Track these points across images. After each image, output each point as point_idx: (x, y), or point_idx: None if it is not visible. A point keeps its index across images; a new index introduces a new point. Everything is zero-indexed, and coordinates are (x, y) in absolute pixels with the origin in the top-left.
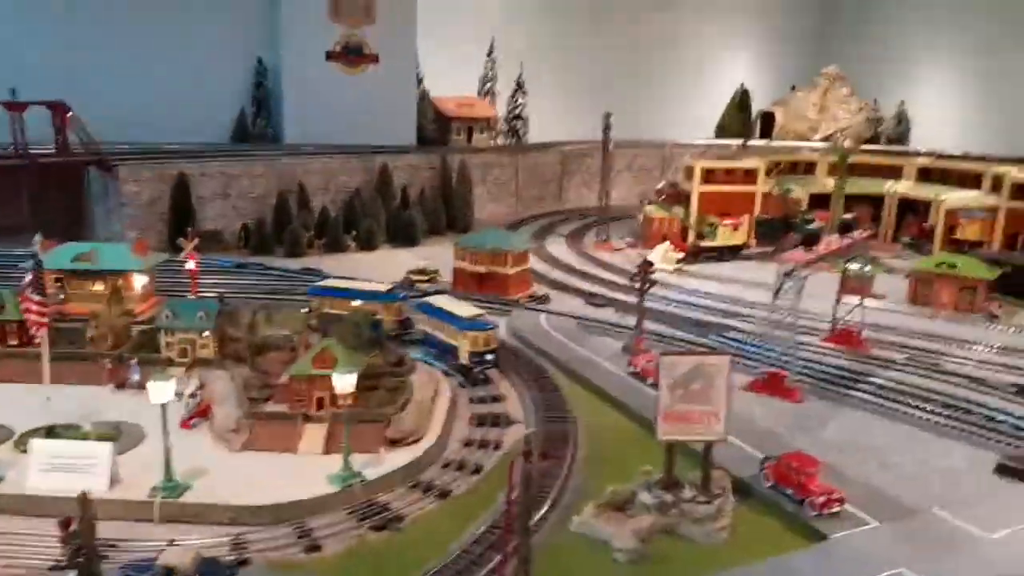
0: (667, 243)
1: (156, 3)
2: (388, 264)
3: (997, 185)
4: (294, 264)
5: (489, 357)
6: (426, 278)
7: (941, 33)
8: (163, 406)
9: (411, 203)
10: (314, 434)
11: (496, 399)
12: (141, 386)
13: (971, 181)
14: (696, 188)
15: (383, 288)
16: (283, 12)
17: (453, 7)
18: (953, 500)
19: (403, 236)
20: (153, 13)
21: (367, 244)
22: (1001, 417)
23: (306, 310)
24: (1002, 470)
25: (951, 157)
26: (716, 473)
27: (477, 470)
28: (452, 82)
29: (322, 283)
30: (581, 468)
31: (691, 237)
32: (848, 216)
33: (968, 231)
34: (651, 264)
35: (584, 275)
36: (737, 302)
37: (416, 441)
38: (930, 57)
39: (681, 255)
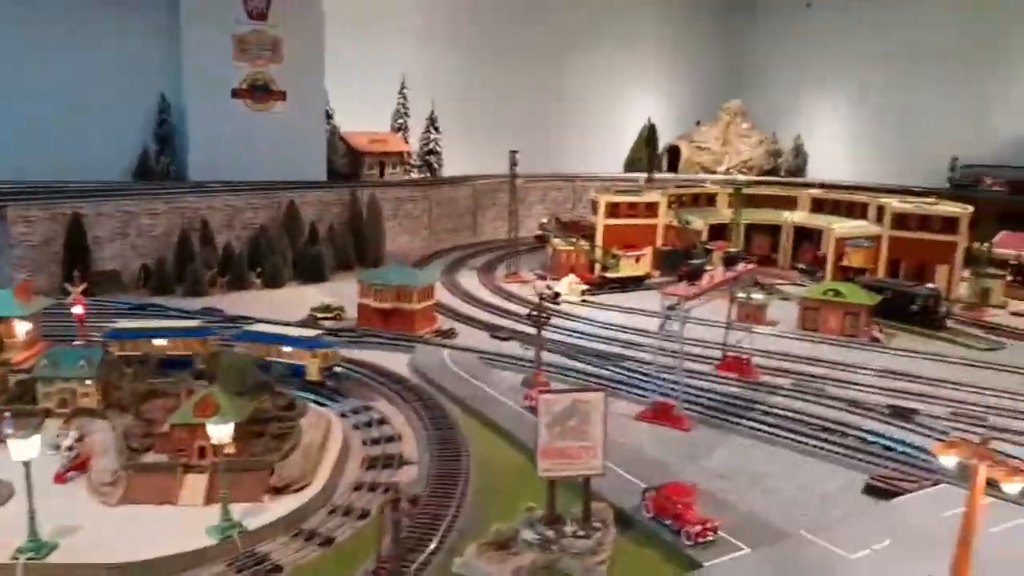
0: (572, 275)
1: (52, 38)
2: (294, 301)
3: (881, 215)
4: (195, 304)
5: (338, 370)
6: (331, 315)
7: (833, 72)
8: (26, 463)
9: (320, 238)
10: (195, 484)
11: (391, 439)
12: None
13: (859, 210)
14: (601, 221)
15: (192, 324)
16: (185, 51)
17: (363, 46)
18: (823, 523)
19: (311, 272)
20: (49, 49)
21: (273, 281)
22: (872, 438)
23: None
24: (870, 490)
25: (840, 187)
26: (599, 506)
27: (364, 515)
28: (365, 118)
29: (121, 325)
30: (470, 506)
31: (597, 269)
32: (733, 249)
33: (854, 259)
34: (558, 295)
35: (493, 308)
36: (637, 332)
37: (302, 487)
38: (824, 93)
39: (586, 286)
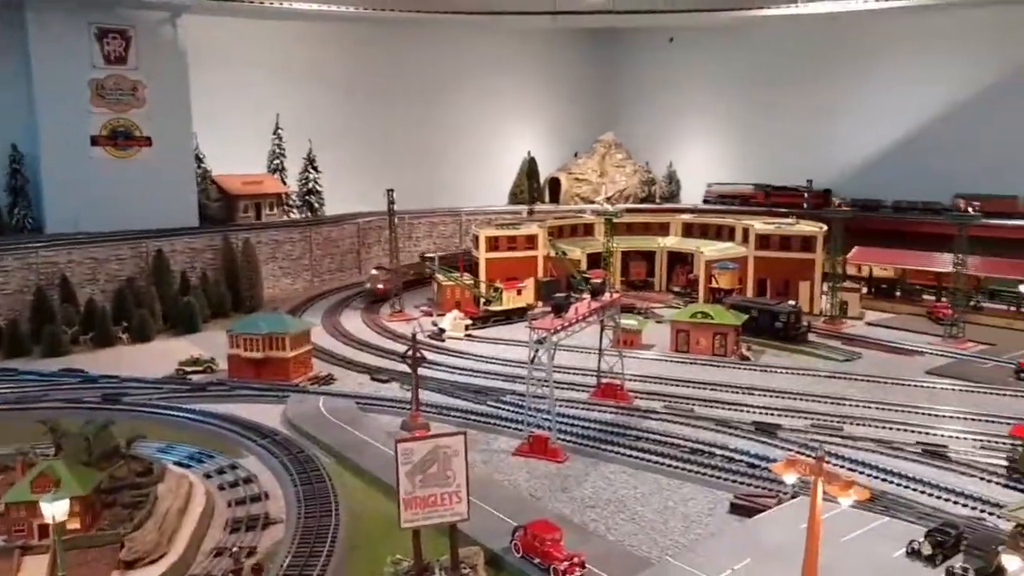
0: (457, 310)
1: None
2: (163, 355)
3: (746, 236)
4: (54, 365)
5: None
6: (200, 368)
7: (698, 101)
8: None
9: (192, 287)
10: (35, 568)
11: (256, 499)
12: None
13: (727, 233)
14: (483, 256)
15: None
16: (38, 98)
17: (233, 86)
18: (687, 546)
19: (183, 323)
20: None
21: (141, 336)
22: (738, 457)
23: None
24: (734, 509)
25: (708, 211)
26: (469, 550)
27: None
28: (239, 160)
29: None
30: (338, 563)
31: (481, 303)
32: (597, 281)
33: (722, 280)
34: (442, 331)
35: (375, 349)
36: (517, 364)
37: (157, 559)
38: (691, 122)
39: (470, 321)
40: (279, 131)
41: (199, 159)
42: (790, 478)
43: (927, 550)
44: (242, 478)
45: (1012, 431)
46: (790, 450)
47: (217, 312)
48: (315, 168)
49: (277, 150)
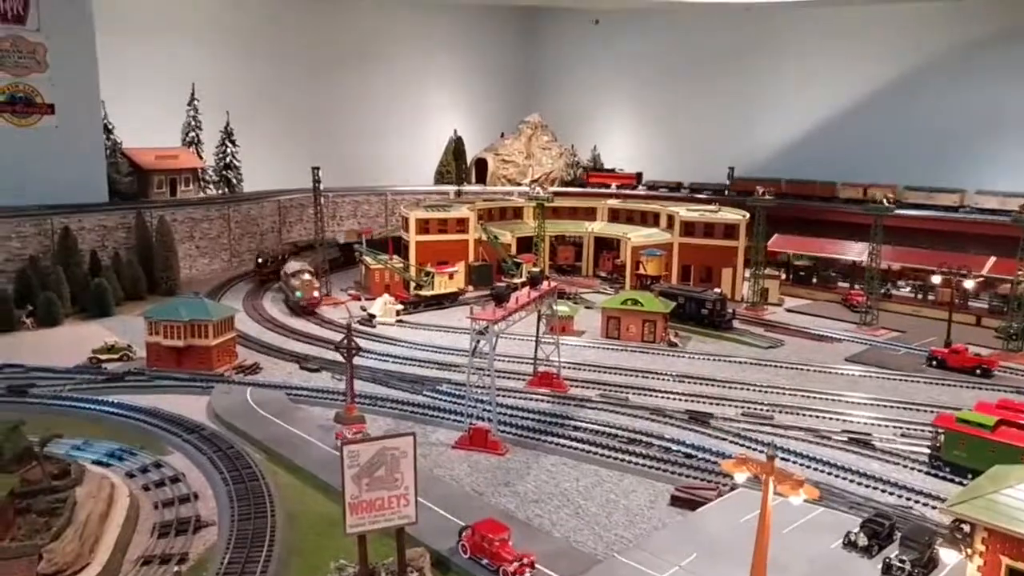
0: (387, 295)
1: None
2: (74, 342)
3: (671, 223)
4: None
5: None
6: (116, 356)
7: (623, 85)
8: None
9: (104, 268)
10: None
11: (184, 500)
12: None
13: (651, 219)
14: (413, 238)
15: None
16: None
17: (146, 54)
18: (632, 541)
19: (94, 306)
20: None
21: (47, 320)
22: (675, 447)
23: None
24: (674, 501)
25: (634, 197)
26: (415, 552)
27: None
28: (152, 132)
29: None
30: (277, 569)
31: (411, 287)
32: (533, 268)
33: (649, 267)
34: (373, 317)
35: (302, 335)
36: (453, 352)
37: (80, 570)
38: (616, 105)
39: (401, 306)
40: (195, 102)
41: (108, 130)
42: (741, 476)
43: (863, 541)
44: (168, 477)
45: (935, 421)
46: (724, 439)
47: (131, 295)
48: (233, 142)
49: (193, 122)
